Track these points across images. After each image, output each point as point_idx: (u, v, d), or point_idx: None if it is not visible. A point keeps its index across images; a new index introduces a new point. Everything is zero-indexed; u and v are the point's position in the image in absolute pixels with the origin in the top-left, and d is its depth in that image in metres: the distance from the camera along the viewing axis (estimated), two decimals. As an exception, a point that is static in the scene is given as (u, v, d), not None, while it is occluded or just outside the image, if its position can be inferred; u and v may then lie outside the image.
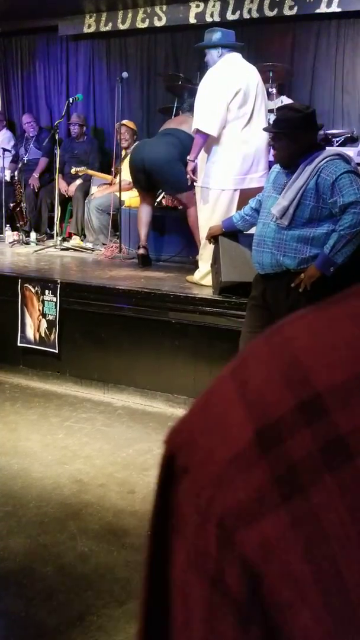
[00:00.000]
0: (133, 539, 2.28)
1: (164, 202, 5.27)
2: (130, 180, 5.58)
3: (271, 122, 4.70)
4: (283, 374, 0.22)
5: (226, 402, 0.23)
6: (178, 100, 5.48)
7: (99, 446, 3.03)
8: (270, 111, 5.08)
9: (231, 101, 3.65)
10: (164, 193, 5.14)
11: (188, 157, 3.80)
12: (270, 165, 3.80)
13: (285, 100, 5.56)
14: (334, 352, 0.22)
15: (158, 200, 5.31)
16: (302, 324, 0.24)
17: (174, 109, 5.46)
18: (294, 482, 0.21)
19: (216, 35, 3.80)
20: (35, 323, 3.83)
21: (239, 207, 3.78)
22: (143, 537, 2.32)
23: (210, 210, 3.78)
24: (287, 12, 5.61)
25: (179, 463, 0.24)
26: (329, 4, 5.43)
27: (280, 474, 0.21)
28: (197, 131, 3.70)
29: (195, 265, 4.02)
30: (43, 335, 3.81)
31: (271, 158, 3.96)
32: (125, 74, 5.18)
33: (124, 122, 5.61)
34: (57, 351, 3.78)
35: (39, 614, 1.90)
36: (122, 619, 1.88)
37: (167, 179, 4.10)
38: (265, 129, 3.45)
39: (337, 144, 5.50)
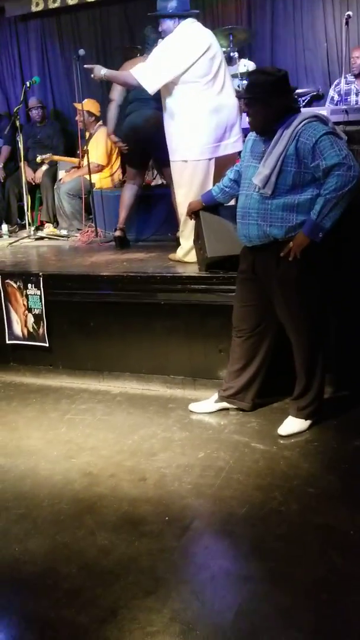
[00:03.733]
0: (151, 526, 2.26)
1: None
2: (99, 162, 5.47)
3: (240, 87, 4.61)
4: None
5: None
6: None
7: (103, 436, 3.00)
8: (234, 76, 4.97)
9: (190, 67, 3.50)
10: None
11: (103, 72, 3.71)
12: (244, 132, 3.71)
13: (247, 63, 5.45)
14: None
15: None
16: None
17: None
18: None
19: (171, 4, 3.66)
20: (22, 318, 3.74)
21: (215, 177, 3.70)
22: (161, 523, 2.31)
23: (188, 183, 3.70)
24: (240, -29, 5.47)
25: None
26: None
27: None
28: (131, 75, 3.58)
29: (176, 243, 3.95)
30: (31, 330, 3.73)
31: (245, 125, 3.87)
32: (82, 51, 4.97)
33: (84, 102, 5.44)
34: (47, 345, 3.72)
35: (69, 613, 1.89)
36: (153, 608, 1.87)
37: (163, 144, 3.87)
38: (237, 95, 3.35)
39: (303, 103, 5.42)
